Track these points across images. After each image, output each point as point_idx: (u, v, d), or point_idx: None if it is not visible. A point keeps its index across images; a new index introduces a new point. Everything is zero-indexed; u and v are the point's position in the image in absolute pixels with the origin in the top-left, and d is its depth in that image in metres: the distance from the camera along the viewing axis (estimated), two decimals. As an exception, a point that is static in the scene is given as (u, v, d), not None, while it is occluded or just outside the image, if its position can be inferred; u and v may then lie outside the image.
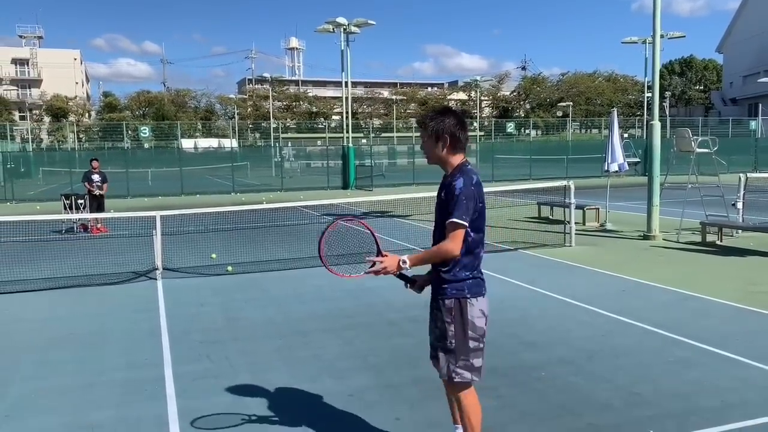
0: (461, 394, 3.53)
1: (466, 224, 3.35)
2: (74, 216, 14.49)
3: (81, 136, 62.44)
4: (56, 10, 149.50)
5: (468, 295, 3.46)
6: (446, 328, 3.46)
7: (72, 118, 66.54)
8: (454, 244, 3.36)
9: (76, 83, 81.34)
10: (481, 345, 3.51)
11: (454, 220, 3.32)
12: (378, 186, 30.62)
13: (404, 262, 3.45)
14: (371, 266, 3.53)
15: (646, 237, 12.46)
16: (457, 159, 3.50)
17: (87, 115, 73.00)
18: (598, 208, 15.22)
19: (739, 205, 12.52)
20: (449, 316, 3.46)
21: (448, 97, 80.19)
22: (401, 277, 3.62)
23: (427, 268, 3.60)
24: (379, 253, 3.57)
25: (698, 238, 12.04)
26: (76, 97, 73.35)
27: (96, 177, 15.71)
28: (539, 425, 4.33)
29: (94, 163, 15.85)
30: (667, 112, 59.42)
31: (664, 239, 12.25)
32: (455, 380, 3.48)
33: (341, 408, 4.69)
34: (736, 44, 71.23)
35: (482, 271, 3.54)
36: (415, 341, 6.19)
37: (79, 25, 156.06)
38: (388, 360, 5.69)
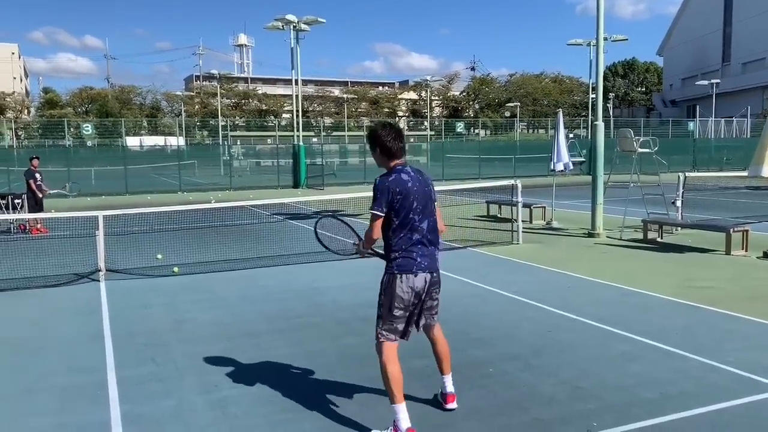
0: (379, 354, 4.19)
1: (378, 213, 4.12)
2: (11, 216, 13.94)
3: (20, 133, 60.06)
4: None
5: (396, 272, 4.15)
6: (378, 299, 4.23)
7: (10, 114, 63.97)
8: (370, 230, 4.19)
9: (14, 78, 78.34)
10: (407, 313, 4.19)
11: (370, 210, 4.16)
12: (329, 185, 30.50)
13: (355, 244, 4.49)
14: (356, 247, 4.46)
15: (590, 234, 12.79)
16: (392, 163, 4.23)
17: (26, 111, 70.29)
18: (545, 207, 15.53)
19: (678, 203, 12.97)
20: (381, 289, 4.22)
21: (399, 97, 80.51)
22: (376, 254, 4.42)
23: None
24: (359, 238, 4.46)
25: (640, 236, 12.42)
26: (14, 92, 70.51)
27: (38, 176, 15.15)
28: (487, 421, 4.38)
29: (35, 162, 15.23)
30: (611, 113, 61.20)
31: (607, 236, 12.60)
32: (378, 340, 4.20)
33: (291, 409, 4.64)
34: (675, 48, 73.90)
35: (421, 253, 4.17)
36: (365, 340, 6.18)
37: (15, 17, 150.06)
38: (338, 360, 5.68)
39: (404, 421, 4.05)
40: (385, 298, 4.18)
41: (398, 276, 4.13)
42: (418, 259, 4.16)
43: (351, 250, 4.57)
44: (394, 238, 4.17)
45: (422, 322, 4.31)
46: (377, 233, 4.18)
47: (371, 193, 4.19)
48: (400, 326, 4.19)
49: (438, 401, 4.61)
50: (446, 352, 4.52)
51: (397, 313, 4.15)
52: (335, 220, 4.96)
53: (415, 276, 4.14)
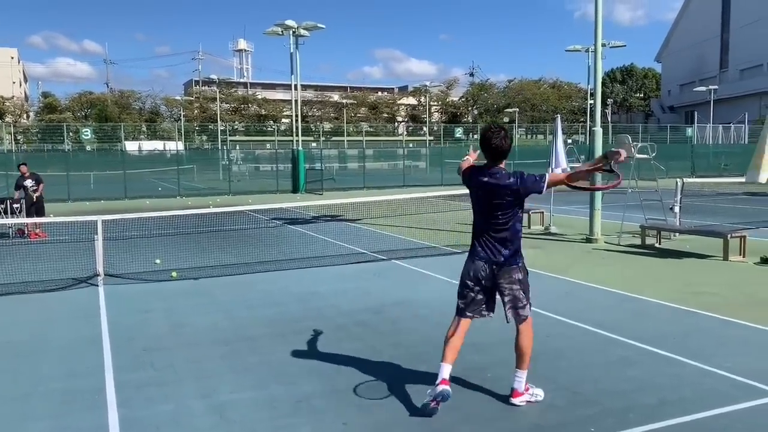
0: None
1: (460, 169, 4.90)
2: (10, 221, 13.94)
3: (18, 137, 60.04)
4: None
5: (468, 255, 4.78)
6: None
7: (9, 118, 63.97)
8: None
9: (14, 83, 78.38)
10: (467, 294, 4.68)
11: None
12: (328, 190, 30.52)
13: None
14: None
15: (588, 240, 12.80)
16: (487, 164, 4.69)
17: (25, 116, 70.33)
18: (543, 212, 15.56)
19: (676, 209, 12.99)
20: None
21: (398, 102, 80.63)
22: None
23: None
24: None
25: (638, 241, 12.44)
26: (13, 97, 70.56)
27: (29, 182, 15.16)
28: (485, 426, 4.39)
29: (23, 168, 15.31)
30: (609, 119, 61.21)
31: (605, 242, 12.61)
32: None
33: (289, 414, 4.65)
34: (673, 54, 74.13)
35: (482, 245, 4.65)
36: (363, 345, 6.20)
37: (14, 22, 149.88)
38: (337, 364, 5.67)
39: (441, 375, 4.53)
40: None
41: (467, 259, 4.74)
42: (478, 248, 4.66)
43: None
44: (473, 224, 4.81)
45: (508, 317, 4.66)
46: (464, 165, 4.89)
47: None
48: (461, 303, 4.69)
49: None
50: (521, 347, 4.68)
51: (460, 290, 4.72)
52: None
53: (473, 263, 4.66)
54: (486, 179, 4.58)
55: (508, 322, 4.67)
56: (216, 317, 7.41)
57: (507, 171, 4.61)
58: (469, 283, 4.66)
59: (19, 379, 5.47)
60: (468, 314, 4.68)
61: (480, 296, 4.65)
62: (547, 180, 4.55)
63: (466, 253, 4.82)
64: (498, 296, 4.68)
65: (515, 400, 4.67)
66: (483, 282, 4.62)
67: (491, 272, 4.60)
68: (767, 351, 5.88)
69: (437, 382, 4.48)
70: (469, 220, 5.06)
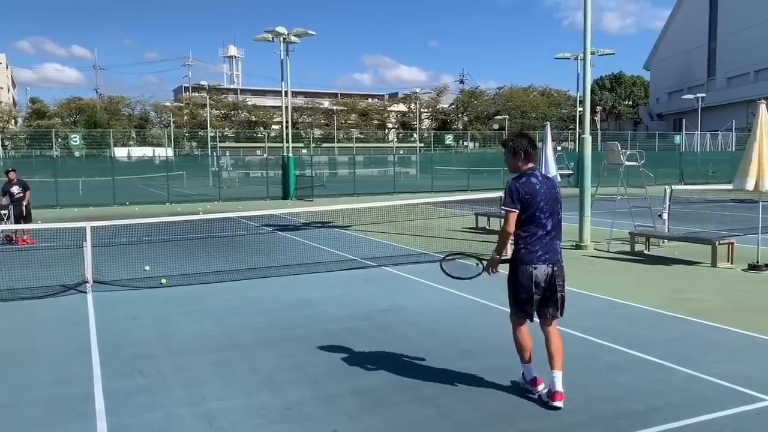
0: (512, 326, 5.02)
1: (510, 209, 4.74)
2: (-3, 227, 13.81)
3: (6, 143, 59.65)
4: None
5: (519, 263, 4.79)
6: (507, 284, 4.95)
7: (-4, 124, 63.57)
8: (504, 225, 4.82)
9: (1, 88, 77.87)
10: (525, 297, 4.80)
11: (503, 207, 4.83)
12: (318, 196, 30.48)
13: (478, 265, 5.10)
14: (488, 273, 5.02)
15: (578, 247, 12.85)
16: (525, 167, 4.87)
17: (13, 121, 69.84)
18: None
19: (665, 215, 13.07)
20: (508, 277, 4.92)
21: (389, 109, 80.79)
22: (502, 261, 4.98)
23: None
24: (486, 265, 5.02)
25: (627, 248, 12.50)
26: (1, 102, 70.08)
27: (15, 188, 15.05)
28: (475, 433, 4.39)
29: (11, 175, 15.19)
30: (598, 126, 61.61)
31: (595, 249, 12.67)
32: (510, 315, 5.02)
33: (278, 421, 4.63)
34: (661, 62, 74.78)
35: (543, 247, 4.76)
36: (354, 352, 6.19)
37: (1, 27, 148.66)
38: (327, 371, 5.67)
39: (528, 374, 4.97)
40: (510, 284, 4.90)
41: (520, 266, 4.78)
42: (539, 252, 4.74)
43: (475, 272, 5.19)
44: (521, 232, 4.79)
45: (549, 311, 4.83)
46: (512, 227, 4.77)
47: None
48: (528, 308, 4.84)
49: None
50: (558, 348, 4.81)
51: (523, 296, 4.82)
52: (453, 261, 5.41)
53: (535, 268, 4.74)
54: (545, 180, 4.87)
55: (561, 315, 4.87)
56: (206, 324, 7.38)
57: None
58: (531, 288, 4.78)
59: (7, 387, 5.42)
60: (531, 315, 4.89)
61: (537, 297, 4.81)
62: None
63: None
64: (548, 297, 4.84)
65: (558, 404, 4.69)
66: (543, 285, 4.79)
67: (551, 274, 4.78)
68: (755, 357, 5.94)
69: (534, 382, 4.93)
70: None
